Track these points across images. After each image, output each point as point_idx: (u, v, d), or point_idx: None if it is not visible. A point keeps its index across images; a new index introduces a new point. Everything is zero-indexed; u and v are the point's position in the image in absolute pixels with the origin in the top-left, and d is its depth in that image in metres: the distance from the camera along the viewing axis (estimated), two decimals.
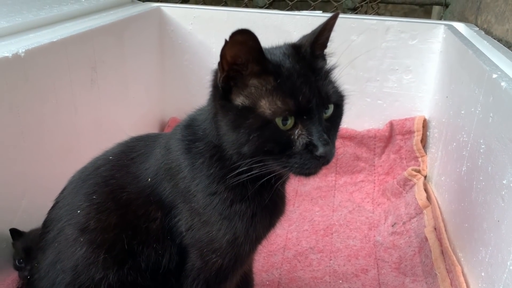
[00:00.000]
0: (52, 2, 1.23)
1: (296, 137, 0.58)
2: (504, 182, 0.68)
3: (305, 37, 0.66)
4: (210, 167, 0.64)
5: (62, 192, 0.73)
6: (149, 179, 0.68)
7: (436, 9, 1.84)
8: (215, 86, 0.62)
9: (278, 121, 0.57)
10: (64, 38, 0.97)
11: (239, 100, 0.59)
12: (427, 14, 2.02)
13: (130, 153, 0.72)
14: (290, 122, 0.58)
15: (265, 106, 0.58)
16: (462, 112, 0.97)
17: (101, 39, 1.11)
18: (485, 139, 0.80)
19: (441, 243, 0.98)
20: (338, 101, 0.63)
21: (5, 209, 0.84)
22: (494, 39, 1.10)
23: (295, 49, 0.63)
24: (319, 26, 0.64)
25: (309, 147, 0.58)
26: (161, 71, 1.47)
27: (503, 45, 1.04)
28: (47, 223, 0.71)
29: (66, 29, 1.04)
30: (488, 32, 1.16)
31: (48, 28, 1.04)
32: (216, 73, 0.61)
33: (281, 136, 0.58)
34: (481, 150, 0.81)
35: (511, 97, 0.70)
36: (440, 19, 1.70)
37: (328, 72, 0.64)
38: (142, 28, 1.33)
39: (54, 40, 0.94)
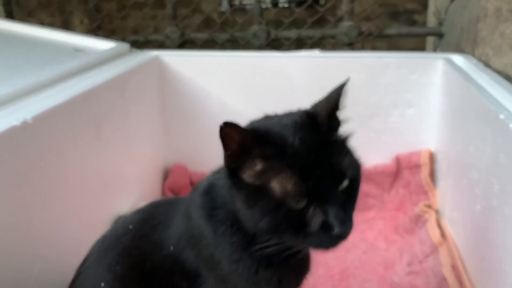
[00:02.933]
0: (52, 60, 1.24)
1: (310, 217, 0.57)
2: None
3: (318, 104, 0.64)
4: (232, 235, 0.63)
5: (83, 263, 0.72)
6: (172, 248, 0.67)
7: (430, 39, 1.87)
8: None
9: (290, 201, 0.56)
10: (69, 99, 0.97)
11: (250, 179, 0.58)
12: (421, 44, 2.05)
13: (150, 221, 0.72)
14: (303, 201, 0.56)
15: (276, 187, 0.56)
16: (471, 149, 0.96)
17: (104, 95, 1.11)
18: (498, 179, 0.80)
19: (461, 284, 0.96)
20: (355, 175, 0.61)
21: (16, 279, 0.82)
22: (494, 71, 1.11)
23: (310, 119, 0.61)
24: (333, 93, 0.63)
25: (325, 226, 0.56)
26: (163, 119, 1.47)
27: (503, 78, 1.05)
28: None
29: (70, 88, 1.04)
30: (487, 65, 1.17)
31: (51, 89, 1.04)
32: None
33: (295, 217, 0.56)
34: (495, 190, 0.81)
35: None
36: (435, 48, 1.73)
37: (343, 142, 0.63)
38: (143, 79, 1.34)
39: (60, 102, 0.94)
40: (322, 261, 1.22)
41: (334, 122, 0.63)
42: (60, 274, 0.84)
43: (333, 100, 0.62)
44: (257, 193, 0.57)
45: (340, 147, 0.61)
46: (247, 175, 0.58)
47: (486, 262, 0.84)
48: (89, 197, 1.05)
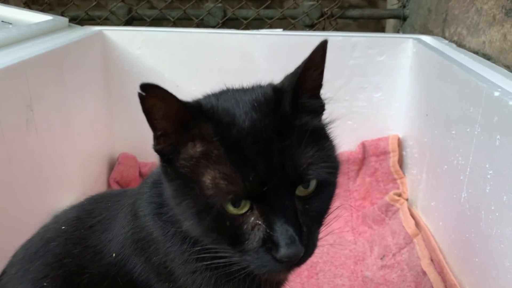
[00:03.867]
0: None
1: (249, 228, 0.43)
2: None
3: (287, 77, 0.49)
4: (183, 241, 0.49)
5: (0, 279, 0.56)
6: (114, 254, 0.53)
7: (390, 22, 1.81)
8: None
9: (223, 202, 0.42)
10: None
11: (183, 169, 0.44)
12: (381, 30, 1.99)
13: (87, 220, 0.57)
14: (244, 204, 0.43)
15: (207, 182, 0.42)
16: (453, 132, 0.89)
17: (36, 71, 0.93)
18: (492, 163, 0.72)
19: (443, 278, 0.88)
20: (324, 177, 0.45)
21: None
22: (469, 51, 1.05)
23: (275, 96, 0.46)
24: (303, 62, 0.47)
25: (268, 244, 0.42)
26: (108, 102, 1.30)
27: (481, 57, 0.99)
28: None
29: None
30: (460, 45, 1.11)
31: None
32: None
33: (230, 224, 0.43)
34: (489, 176, 0.73)
35: None
36: (397, 32, 1.67)
37: (317, 132, 0.47)
38: (83, 56, 1.17)
39: None
40: None
41: (308, 102, 0.48)
42: None
43: (299, 71, 0.46)
44: (187, 187, 0.44)
45: (309, 137, 0.45)
46: (181, 163, 0.45)
47: (477, 255, 0.77)
48: (20, 191, 0.87)
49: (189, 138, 0.44)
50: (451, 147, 0.90)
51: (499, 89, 0.73)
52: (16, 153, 0.86)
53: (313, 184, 0.45)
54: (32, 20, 1.24)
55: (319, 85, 0.50)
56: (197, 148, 0.44)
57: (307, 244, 0.44)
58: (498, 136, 0.70)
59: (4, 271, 0.57)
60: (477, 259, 0.77)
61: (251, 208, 0.43)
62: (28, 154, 0.91)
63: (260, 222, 0.43)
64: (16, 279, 0.54)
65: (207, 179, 0.42)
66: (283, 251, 0.41)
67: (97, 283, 0.52)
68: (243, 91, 0.51)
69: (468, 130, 0.81)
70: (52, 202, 0.97)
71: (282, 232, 0.42)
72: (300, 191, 0.44)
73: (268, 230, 0.42)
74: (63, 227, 0.57)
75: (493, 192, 0.72)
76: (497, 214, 0.70)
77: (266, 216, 0.42)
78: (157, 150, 0.46)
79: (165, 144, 0.45)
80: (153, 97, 0.42)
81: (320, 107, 0.51)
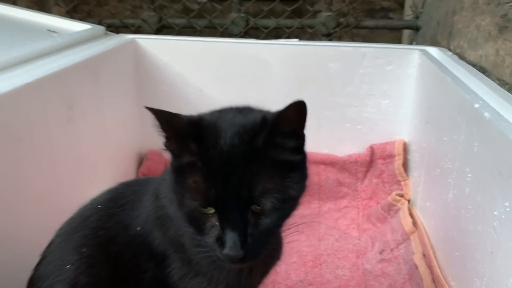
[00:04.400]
0: (23, 39, 1.19)
1: (210, 226, 0.56)
2: (495, 213, 0.69)
3: (274, 113, 0.57)
4: None
5: (48, 247, 0.69)
6: (139, 228, 0.66)
7: (406, 32, 1.89)
8: None
9: (198, 202, 0.56)
10: (39, 78, 0.93)
11: (179, 165, 0.58)
12: (397, 40, 2.07)
13: (119, 200, 0.70)
14: (210, 208, 0.55)
15: (189, 184, 0.56)
16: (445, 138, 0.98)
17: (77, 76, 1.08)
18: (471, 168, 0.81)
19: (431, 271, 0.97)
20: (273, 206, 0.55)
21: None
22: (469, 64, 1.13)
23: (260, 125, 0.56)
24: (277, 112, 0.55)
25: (219, 242, 0.55)
26: (138, 103, 1.44)
27: (478, 70, 1.07)
28: (34, 281, 0.67)
29: (41, 68, 1.00)
30: (461, 57, 1.19)
31: (21, 68, 1.00)
32: None
33: (199, 220, 0.56)
34: (468, 179, 0.82)
35: (496, 128, 0.71)
36: (411, 42, 1.75)
37: (284, 164, 0.56)
38: (117, 62, 1.31)
39: (29, 81, 0.90)
40: (295, 248, 1.22)
41: (282, 142, 0.57)
42: (22, 259, 0.81)
43: (276, 122, 0.55)
44: (177, 181, 0.57)
45: (273, 168, 0.56)
46: (179, 162, 0.58)
47: (457, 249, 0.86)
48: (59, 180, 1.01)
49: (184, 149, 0.56)
50: (443, 152, 0.99)
51: (480, 101, 0.82)
52: (58, 147, 1.00)
53: (266, 207, 0.55)
54: (74, 29, 1.39)
55: (296, 134, 0.59)
56: (187, 157, 0.56)
57: (249, 250, 0.54)
58: (476, 143, 0.79)
59: (51, 241, 0.70)
60: (457, 253, 0.86)
61: (214, 212, 0.55)
62: (68, 148, 1.05)
63: (217, 224, 0.55)
64: (61, 247, 0.67)
65: (189, 181, 0.56)
66: (225, 251, 0.54)
67: (124, 250, 0.65)
68: (241, 113, 0.61)
69: (455, 137, 0.90)
70: (87, 190, 1.11)
71: (229, 237, 0.54)
72: (255, 208, 0.55)
73: (220, 232, 0.55)
74: (99, 206, 0.69)
75: (470, 193, 0.81)
76: (472, 212, 0.79)
77: (221, 221, 0.55)
78: (165, 146, 0.59)
79: (170, 147, 0.58)
80: (157, 118, 0.56)
81: (295, 148, 0.59)
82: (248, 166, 0.54)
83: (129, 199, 0.70)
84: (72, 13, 1.77)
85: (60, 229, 0.71)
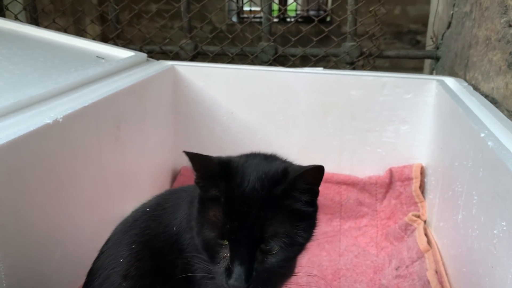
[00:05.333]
0: (77, 65, 1.34)
1: (222, 256, 0.65)
2: (495, 232, 0.77)
3: (298, 169, 0.66)
4: None
5: (106, 243, 0.82)
6: (175, 228, 0.77)
7: (428, 61, 1.98)
8: None
9: (215, 233, 0.65)
10: (94, 102, 1.07)
11: (204, 197, 0.68)
12: (420, 66, 2.16)
13: (164, 204, 0.82)
14: (224, 240, 0.64)
15: (210, 215, 0.65)
16: (456, 164, 1.06)
17: (124, 100, 1.21)
18: (477, 191, 0.90)
19: (442, 286, 1.05)
20: (280, 246, 0.63)
21: (40, 261, 0.92)
22: (482, 95, 1.21)
23: (281, 176, 0.65)
24: (297, 171, 0.64)
25: (227, 272, 0.64)
26: (175, 124, 1.57)
27: (490, 101, 1.15)
28: (93, 271, 0.79)
29: (94, 92, 1.15)
30: (476, 88, 1.28)
31: (77, 92, 1.14)
32: None
33: (213, 248, 0.65)
34: (474, 201, 0.90)
35: (496, 155, 0.80)
36: (432, 70, 1.83)
37: (297, 213, 0.65)
38: (159, 86, 1.45)
39: (86, 104, 1.04)
40: (316, 262, 1.31)
41: (298, 195, 0.66)
42: (77, 260, 0.94)
43: (295, 179, 0.63)
44: (201, 211, 0.67)
45: (286, 215, 0.64)
46: (205, 195, 0.67)
47: (465, 265, 0.94)
48: (106, 192, 1.15)
49: (211, 185, 0.67)
50: (455, 176, 1.07)
51: (486, 131, 0.91)
52: (107, 161, 1.13)
53: (274, 248, 0.64)
54: (119, 55, 1.55)
55: (312, 190, 0.67)
56: (213, 192, 0.66)
57: (252, 283, 0.63)
58: (481, 169, 0.88)
59: (109, 238, 0.82)
60: (464, 269, 0.94)
61: (227, 244, 0.64)
62: (115, 162, 1.18)
63: (227, 256, 0.64)
64: (116, 243, 0.79)
65: (210, 214, 0.65)
66: (230, 282, 0.63)
67: (163, 247, 0.76)
68: (266, 160, 0.71)
69: (465, 163, 0.99)
70: (129, 201, 1.24)
71: (236, 269, 0.62)
72: (263, 247, 0.64)
73: (229, 263, 0.64)
74: (148, 209, 0.82)
75: (476, 214, 0.89)
76: (477, 231, 0.87)
77: (232, 254, 0.64)
78: (195, 182, 0.69)
79: (200, 183, 0.69)
80: (191, 160, 0.66)
81: (309, 201, 0.68)
82: (264, 210, 0.63)
83: (171, 204, 0.81)
84: (116, 39, 1.93)
85: (116, 228, 0.83)
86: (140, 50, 1.82)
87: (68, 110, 0.99)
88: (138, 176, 1.33)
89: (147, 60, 1.59)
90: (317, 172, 0.64)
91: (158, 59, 1.63)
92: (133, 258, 0.75)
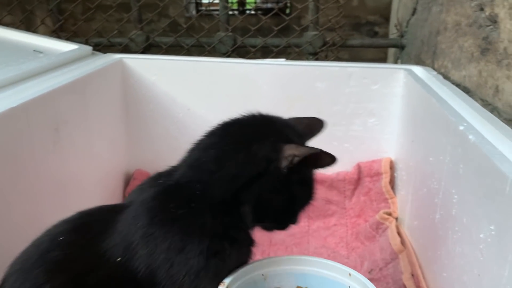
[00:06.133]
0: (9, 60, 1.19)
1: None
2: (481, 236, 0.69)
3: None
4: None
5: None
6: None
7: (392, 51, 1.92)
8: None
9: None
10: (25, 102, 0.93)
11: None
12: (382, 55, 2.10)
13: (84, 231, 0.67)
14: None
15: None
16: (431, 158, 0.99)
17: (64, 98, 1.07)
18: (457, 189, 0.82)
19: None
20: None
21: None
22: (453, 84, 1.15)
23: None
24: None
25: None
26: (125, 123, 1.43)
27: (462, 90, 1.08)
28: None
29: (27, 91, 1.00)
30: (446, 77, 1.21)
31: (7, 90, 0.99)
32: None
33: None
34: (454, 200, 0.83)
35: (480, 151, 0.72)
36: (396, 59, 1.77)
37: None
38: (105, 82, 1.31)
39: (14, 105, 0.90)
40: None
41: None
42: None
43: None
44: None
45: None
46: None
47: (445, 270, 0.86)
48: (45, 206, 1.00)
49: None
50: (429, 172, 0.99)
51: (465, 123, 0.83)
52: (43, 170, 0.99)
53: None
54: (60, 49, 1.39)
55: None
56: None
57: None
58: (461, 165, 0.80)
59: (3, 280, 0.61)
60: (445, 274, 0.87)
61: None
62: (53, 171, 1.04)
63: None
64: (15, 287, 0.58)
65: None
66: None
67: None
68: None
69: (441, 158, 0.91)
70: (74, 210, 1.10)
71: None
72: None
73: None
74: (61, 238, 0.64)
75: (457, 215, 0.81)
76: (459, 234, 0.80)
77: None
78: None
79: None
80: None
81: None
82: None
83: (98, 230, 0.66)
84: (58, 32, 1.76)
85: (12, 266, 0.63)
86: (86, 43, 1.67)
87: None
88: (84, 184, 1.18)
89: (92, 53, 1.44)
90: None
91: (106, 53, 1.48)
92: None
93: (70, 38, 1.70)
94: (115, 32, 1.72)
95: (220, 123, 0.78)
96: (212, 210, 0.66)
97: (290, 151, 0.69)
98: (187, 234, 0.63)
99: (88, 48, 1.43)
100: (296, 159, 0.68)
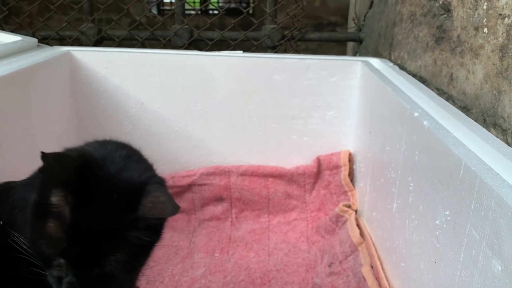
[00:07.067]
0: None
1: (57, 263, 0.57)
2: (437, 222, 0.68)
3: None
4: None
5: None
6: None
7: (350, 45, 1.92)
8: None
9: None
10: None
11: None
12: (343, 52, 2.10)
13: None
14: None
15: (50, 225, 0.56)
16: (387, 148, 0.98)
17: (3, 91, 0.99)
18: (413, 177, 0.81)
19: (379, 283, 0.96)
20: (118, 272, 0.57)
21: None
22: (409, 74, 1.14)
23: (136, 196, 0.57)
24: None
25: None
26: (75, 119, 1.36)
27: (418, 80, 1.08)
28: None
29: None
30: (402, 68, 1.21)
31: None
32: None
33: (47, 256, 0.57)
34: (410, 188, 0.82)
35: (434, 136, 0.71)
36: (355, 54, 1.77)
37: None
38: (51, 75, 1.23)
39: None
40: (243, 265, 1.18)
41: (139, 222, 0.57)
42: None
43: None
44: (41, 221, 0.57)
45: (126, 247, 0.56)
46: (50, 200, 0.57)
47: (403, 260, 0.85)
48: None
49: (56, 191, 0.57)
50: (386, 162, 0.98)
51: (420, 110, 0.82)
52: None
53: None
54: (2, 41, 1.30)
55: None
56: (56, 199, 0.57)
57: None
58: (416, 152, 0.79)
59: None
60: (403, 264, 0.85)
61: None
62: None
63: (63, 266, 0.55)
64: None
65: (50, 224, 0.55)
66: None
67: None
68: (125, 159, 0.65)
69: (397, 146, 0.90)
70: None
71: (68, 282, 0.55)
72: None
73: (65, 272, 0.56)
74: None
75: (413, 203, 0.80)
76: (416, 222, 0.79)
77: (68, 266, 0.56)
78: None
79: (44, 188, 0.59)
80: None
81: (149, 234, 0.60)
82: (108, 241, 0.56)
83: None
84: (2, 25, 1.66)
85: None
86: (33, 36, 1.58)
87: None
88: None
89: (38, 46, 1.36)
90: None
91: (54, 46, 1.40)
92: None
93: (15, 30, 1.60)
94: (64, 24, 1.63)
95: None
96: None
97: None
98: None
99: (33, 40, 1.34)
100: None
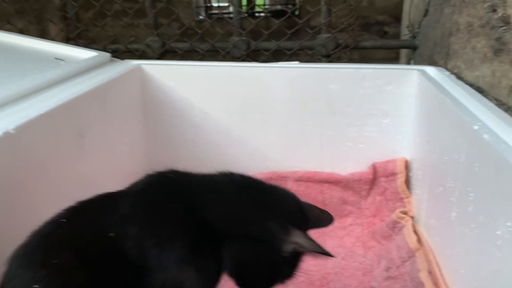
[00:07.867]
0: (33, 69, 1.23)
1: None
2: (498, 232, 0.71)
3: None
4: None
5: (4, 279, 0.58)
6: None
7: (404, 51, 1.93)
8: None
9: None
10: (52, 109, 0.96)
11: None
12: (394, 55, 2.11)
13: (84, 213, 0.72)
14: None
15: None
16: (445, 158, 1.01)
17: (87, 104, 1.11)
18: (473, 188, 0.84)
19: None
20: None
21: None
22: (466, 84, 1.16)
23: None
24: None
25: None
26: (144, 127, 1.47)
27: (476, 90, 1.10)
28: None
29: (52, 98, 1.04)
30: (459, 77, 1.23)
31: (33, 98, 1.03)
32: None
33: None
34: (470, 198, 0.84)
35: (494, 150, 0.74)
36: (409, 60, 1.79)
37: None
38: (124, 88, 1.34)
39: (42, 112, 0.93)
40: (303, 268, 1.24)
41: None
42: None
43: None
44: None
45: None
46: None
47: (462, 267, 0.88)
48: (70, 203, 1.03)
49: None
50: (445, 171, 1.01)
51: (479, 123, 0.85)
52: (69, 173, 1.03)
53: None
54: (80, 56, 1.43)
55: None
56: None
57: None
58: (476, 164, 0.82)
59: (6, 273, 0.59)
60: (462, 271, 0.88)
61: None
62: (78, 173, 1.07)
63: None
64: (21, 270, 0.59)
65: None
66: None
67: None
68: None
69: (456, 157, 0.93)
70: None
71: None
72: None
73: None
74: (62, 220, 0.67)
75: (473, 213, 0.83)
76: (476, 231, 0.82)
77: None
78: None
79: None
80: None
81: None
82: None
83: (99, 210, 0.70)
84: (77, 39, 1.81)
85: (15, 254, 0.63)
86: (104, 50, 1.71)
87: (22, 119, 0.88)
88: (106, 187, 1.21)
89: (111, 60, 1.48)
90: None
91: (123, 58, 1.52)
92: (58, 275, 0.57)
93: (87, 45, 1.74)
94: (132, 38, 1.75)
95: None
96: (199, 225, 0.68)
97: (298, 239, 0.71)
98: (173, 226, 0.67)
99: (106, 55, 1.46)
100: (301, 249, 0.71)
